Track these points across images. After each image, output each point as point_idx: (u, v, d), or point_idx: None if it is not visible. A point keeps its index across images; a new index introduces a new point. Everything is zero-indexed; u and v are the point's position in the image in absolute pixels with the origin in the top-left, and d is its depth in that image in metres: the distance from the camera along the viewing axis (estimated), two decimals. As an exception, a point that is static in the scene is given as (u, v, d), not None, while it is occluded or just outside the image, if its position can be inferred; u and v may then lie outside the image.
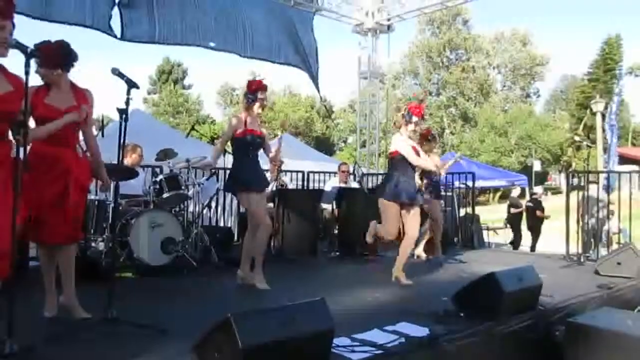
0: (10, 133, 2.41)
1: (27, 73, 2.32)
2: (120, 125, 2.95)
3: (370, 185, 8.61)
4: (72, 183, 3.04)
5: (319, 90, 10.86)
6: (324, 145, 36.89)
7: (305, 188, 7.69)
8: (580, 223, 6.48)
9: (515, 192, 12.27)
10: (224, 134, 4.49)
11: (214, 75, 55.51)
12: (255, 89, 4.29)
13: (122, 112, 2.95)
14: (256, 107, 4.29)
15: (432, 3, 9.95)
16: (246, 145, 4.29)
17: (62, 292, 3.20)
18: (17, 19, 2.53)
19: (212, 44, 8.57)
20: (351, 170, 7.96)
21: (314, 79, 10.27)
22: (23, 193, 2.82)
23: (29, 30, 3.86)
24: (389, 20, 10.76)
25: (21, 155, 2.36)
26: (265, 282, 4.28)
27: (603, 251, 7.00)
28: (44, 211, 2.96)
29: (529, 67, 37.35)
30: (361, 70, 11.32)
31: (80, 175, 3.12)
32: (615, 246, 7.34)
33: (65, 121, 2.97)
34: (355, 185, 7.63)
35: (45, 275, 3.17)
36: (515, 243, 10.84)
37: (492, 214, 16.39)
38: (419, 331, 2.99)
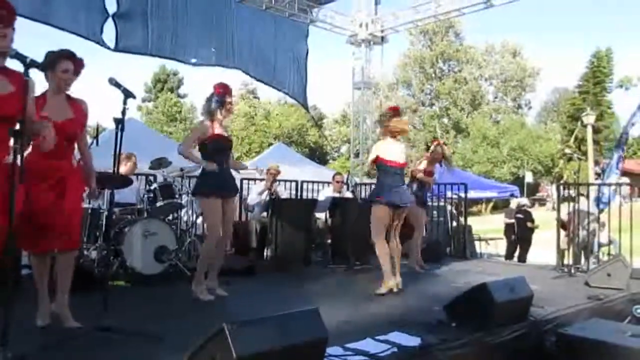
0: (10, 139, 2.41)
1: (25, 83, 2.34)
2: (117, 134, 2.97)
3: (363, 195, 8.64)
4: (67, 191, 3.05)
5: (304, 105, 10.97)
6: (317, 155, 36.94)
7: (299, 197, 7.71)
8: (571, 235, 6.55)
9: (514, 204, 12.32)
10: (188, 137, 4.39)
11: (208, 85, 55.45)
12: (222, 92, 4.29)
13: (119, 122, 2.97)
14: (223, 112, 4.29)
15: (425, 16, 10.07)
16: (215, 149, 4.27)
17: (54, 300, 3.20)
18: (18, 20, 2.56)
19: (193, 60, 8.68)
20: (345, 180, 7.99)
21: (299, 93, 10.37)
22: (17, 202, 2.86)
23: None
24: (382, 32, 10.87)
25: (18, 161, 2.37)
26: (206, 294, 4.21)
27: (593, 263, 7.06)
28: (40, 219, 2.96)
29: (519, 78, 37.70)
30: (355, 81, 11.41)
31: (76, 184, 3.14)
32: (605, 258, 7.40)
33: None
34: (348, 195, 7.66)
35: (38, 283, 3.16)
36: (508, 254, 10.89)
37: (485, 224, 16.47)
38: (411, 341, 3.02)
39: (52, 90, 3.10)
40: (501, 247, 11.44)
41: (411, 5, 10.21)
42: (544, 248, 9.44)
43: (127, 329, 3.04)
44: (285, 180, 7.59)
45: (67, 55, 3.08)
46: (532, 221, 10.78)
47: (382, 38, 11.04)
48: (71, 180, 3.10)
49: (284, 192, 7.43)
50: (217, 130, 4.28)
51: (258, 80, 9.95)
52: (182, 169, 5.75)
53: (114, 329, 3.00)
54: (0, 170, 2.39)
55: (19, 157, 2.32)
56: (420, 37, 37.92)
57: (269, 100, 40.86)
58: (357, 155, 11.87)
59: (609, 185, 7.49)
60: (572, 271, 6.05)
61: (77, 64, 3.11)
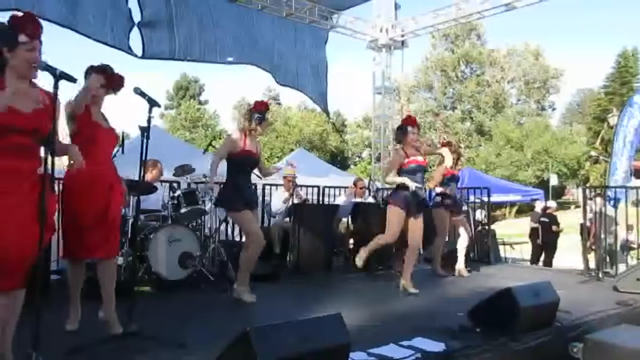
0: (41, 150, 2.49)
1: (55, 94, 2.41)
2: (142, 142, 3.03)
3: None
4: (112, 200, 3.14)
5: (326, 110, 10.99)
6: (339, 160, 36.92)
7: (321, 203, 7.72)
8: (592, 239, 6.43)
9: (539, 207, 12.13)
10: (220, 149, 4.50)
11: (229, 91, 56.26)
12: (264, 109, 4.41)
13: (144, 130, 3.03)
14: (261, 127, 4.43)
15: (445, 19, 10.01)
16: (244, 164, 4.40)
17: (101, 307, 3.27)
18: (47, 25, 2.62)
19: (229, 59, 8.77)
20: (366, 185, 7.99)
21: (320, 99, 10.41)
22: (65, 211, 3.01)
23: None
24: (402, 36, 10.85)
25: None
26: (248, 295, 4.34)
27: (622, 267, 6.91)
28: (87, 228, 3.04)
29: (543, 80, 37.15)
30: (376, 86, 11.40)
31: (118, 192, 3.22)
32: (634, 261, 7.23)
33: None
34: (370, 200, 7.64)
35: (73, 289, 3.25)
36: (533, 258, 10.73)
37: (509, 228, 16.24)
38: (435, 346, 3.00)
39: (90, 102, 3.19)
40: (526, 251, 11.28)
41: (431, 9, 10.18)
42: (570, 252, 9.28)
43: (153, 334, 3.09)
44: (307, 186, 7.61)
45: (97, 69, 3.18)
46: (558, 225, 10.61)
47: (403, 42, 11.02)
48: (115, 188, 3.19)
49: (302, 194, 7.42)
50: (248, 145, 4.36)
51: (284, 85, 9.98)
52: (205, 176, 5.82)
53: (140, 334, 3.05)
54: (35, 180, 2.45)
55: (49, 166, 2.41)
56: (442, 40, 37.70)
57: (289, 106, 41.11)
58: (378, 159, 11.85)
59: (636, 188, 7.32)
60: (600, 276, 5.93)
61: (111, 79, 3.20)
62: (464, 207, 7.36)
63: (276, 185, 7.35)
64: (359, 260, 5.17)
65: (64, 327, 3.23)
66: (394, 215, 4.88)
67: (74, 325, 3.25)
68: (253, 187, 4.65)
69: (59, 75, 2.42)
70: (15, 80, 2.43)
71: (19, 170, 2.40)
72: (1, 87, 2.37)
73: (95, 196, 3.07)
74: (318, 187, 7.71)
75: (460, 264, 6.25)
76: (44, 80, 2.51)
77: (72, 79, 2.47)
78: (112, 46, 7.26)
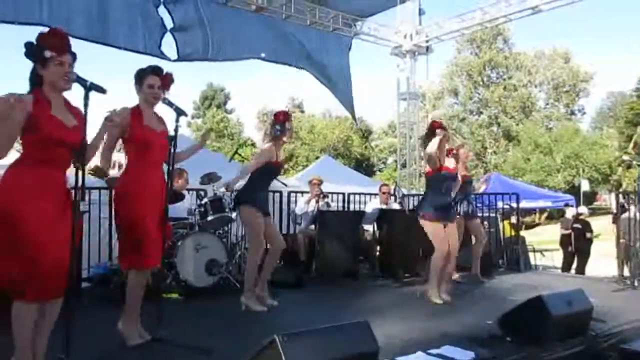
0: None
1: (86, 105, 2.47)
2: (170, 152, 3.08)
3: (411, 206, 8.54)
4: (162, 206, 3.13)
5: (353, 116, 11.00)
6: (364, 167, 36.80)
7: (346, 209, 7.71)
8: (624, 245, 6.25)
9: (569, 213, 11.85)
10: (257, 161, 4.46)
11: (254, 99, 56.86)
12: (283, 120, 4.41)
13: (172, 139, 3.07)
14: (285, 138, 4.43)
15: (471, 24, 9.93)
16: (271, 174, 4.48)
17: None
18: (76, 43, 2.68)
19: (262, 55, 8.92)
20: (392, 191, 7.93)
21: (347, 105, 10.44)
22: (122, 221, 3.04)
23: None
24: (427, 42, 10.79)
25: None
26: (257, 304, 4.32)
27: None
28: (148, 235, 3.02)
29: (572, 83, 36.41)
30: (400, 92, 11.36)
31: (165, 199, 3.17)
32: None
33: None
34: (396, 206, 7.59)
35: (133, 301, 3.13)
36: (564, 266, 10.47)
37: (538, 235, 15.92)
38: (464, 355, 2.95)
39: (143, 104, 3.22)
40: (557, 258, 11.02)
41: (456, 14, 10.11)
42: (602, 259, 9.04)
43: (180, 341, 3.11)
44: (332, 193, 7.60)
45: (153, 71, 3.22)
46: (591, 231, 10.33)
47: (427, 48, 10.97)
48: (164, 194, 3.16)
49: (331, 204, 7.42)
50: (279, 155, 4.42)
51: (323, 84, 10.04)
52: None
53: (167, 340, 3.08)
54: (66, 191, 2.51)
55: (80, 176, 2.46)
56: (468, 45, 37.34)
57: (312, 113, 41.25)
58: (404, 165, 11.78)
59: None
60: (635, 284, 5.76)
61: (165, 79, 3.22)
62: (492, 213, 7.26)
63: (302, 192, 7.37)
64: (436, 299, 4.74)
65: (94, 333, 3.26)
66: (434, 231, 4.73)
67: (136, 339, 3.11)
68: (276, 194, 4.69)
69: (90, 87, 2.48)
70: (54, 94, 2.50)
71: (54, 181, 2.46)
72: (39, 98, 2.43)
73: (149, 203, 3.03)
74: (343, 194, 7.70)
75: (475, 269, 6.17)
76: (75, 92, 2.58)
77: (102, 90, 2.51)
78: (144, 53, 7.42)
